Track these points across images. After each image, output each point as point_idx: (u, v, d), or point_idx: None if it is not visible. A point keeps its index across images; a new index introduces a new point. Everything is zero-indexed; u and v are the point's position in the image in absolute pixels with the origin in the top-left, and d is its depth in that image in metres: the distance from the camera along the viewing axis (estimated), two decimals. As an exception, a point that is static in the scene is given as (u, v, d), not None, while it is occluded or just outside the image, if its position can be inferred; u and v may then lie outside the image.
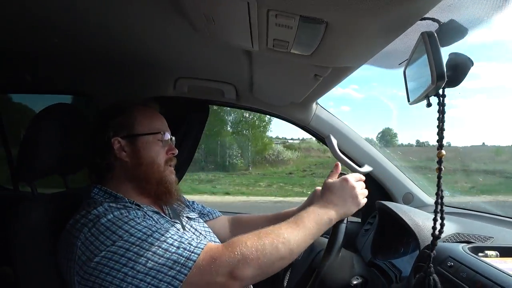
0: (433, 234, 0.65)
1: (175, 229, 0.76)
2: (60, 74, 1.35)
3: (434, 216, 0.65)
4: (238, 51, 0.93)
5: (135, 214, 0.77)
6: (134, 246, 0.68)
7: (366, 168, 1.41)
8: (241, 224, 1.14)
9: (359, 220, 1.53)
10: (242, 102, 1.46)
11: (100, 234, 0.70)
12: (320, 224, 0.80)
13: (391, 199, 1.45)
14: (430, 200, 1.46)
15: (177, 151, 0.92)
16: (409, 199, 1.45)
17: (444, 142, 0.60)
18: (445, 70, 0.55)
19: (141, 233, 0.70)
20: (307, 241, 0.78)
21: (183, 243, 0.71)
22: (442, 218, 0.64)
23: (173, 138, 0.94)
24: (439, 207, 0.63)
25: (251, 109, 1.50)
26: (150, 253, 0.68)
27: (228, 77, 1.28)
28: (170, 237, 0.71)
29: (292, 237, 0.74)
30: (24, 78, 1.39)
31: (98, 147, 0.86)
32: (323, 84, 1.00)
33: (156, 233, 0.71)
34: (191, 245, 0.71)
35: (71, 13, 0.81)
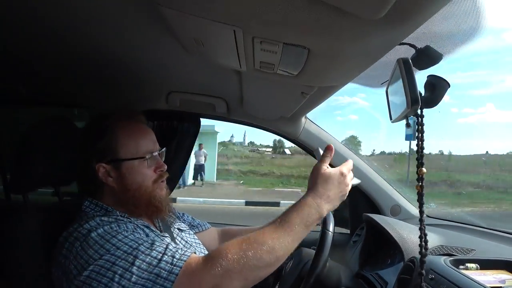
0: (420, 252, 0.66)
1: (161, 242, 0.74)
2: (54, 87, 1.35)
3: (420, 234, 0.66)
4: (228, 69, 0.95)
5: (125, 228, 0.77)
6: (119, 260, 0.68)
7: (354, 181, 1.44)
8: (231, 237, 1.11)
9: (348, 231, 1.55)
10: (233, 116, 1.48)
11: (89, 248, 0.71)
12: (309, 224, 0.76)
13: (379, 211, 1.47)
14: (418, 212, 1.48)
15: (166, 167, 0.89)
16: (397, 211, 1.47)
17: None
18: (418, 94, 0.58)
19: (127, 246, 0.71)
20: (295, 244, 0.75)
21: (166, 254, 0.70)
22: (425, 235, 0.66)
23: (164, 150, 0.91)
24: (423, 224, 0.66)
25: (242, 123, 1.53)
26: (135, 267, 0.68)
27: (219, 92, 1.31)
28: (154, 249, 0.70)
29: (277, 244, 0.71)
30: (17, 90, 1.39)
31: (84, 172, 0.84)
32: (311, 100, 1.03)
33: (142, 246, 0.71)
34: (174, 257, 0.69)
35: (66, 26, 0.81)
